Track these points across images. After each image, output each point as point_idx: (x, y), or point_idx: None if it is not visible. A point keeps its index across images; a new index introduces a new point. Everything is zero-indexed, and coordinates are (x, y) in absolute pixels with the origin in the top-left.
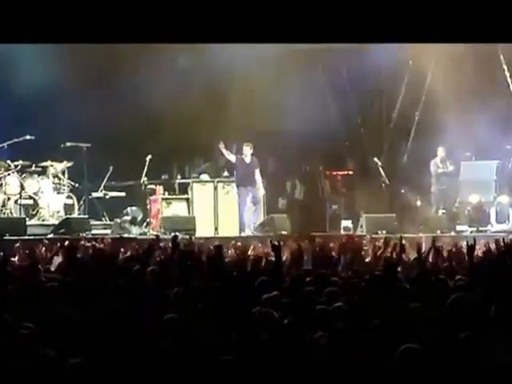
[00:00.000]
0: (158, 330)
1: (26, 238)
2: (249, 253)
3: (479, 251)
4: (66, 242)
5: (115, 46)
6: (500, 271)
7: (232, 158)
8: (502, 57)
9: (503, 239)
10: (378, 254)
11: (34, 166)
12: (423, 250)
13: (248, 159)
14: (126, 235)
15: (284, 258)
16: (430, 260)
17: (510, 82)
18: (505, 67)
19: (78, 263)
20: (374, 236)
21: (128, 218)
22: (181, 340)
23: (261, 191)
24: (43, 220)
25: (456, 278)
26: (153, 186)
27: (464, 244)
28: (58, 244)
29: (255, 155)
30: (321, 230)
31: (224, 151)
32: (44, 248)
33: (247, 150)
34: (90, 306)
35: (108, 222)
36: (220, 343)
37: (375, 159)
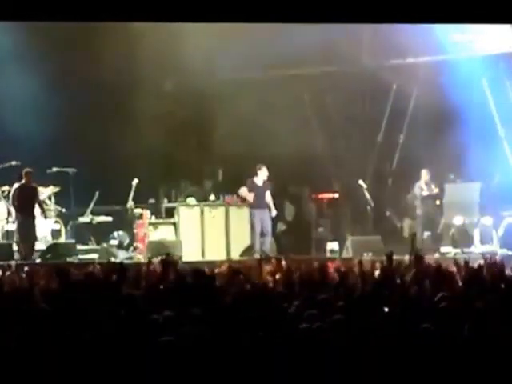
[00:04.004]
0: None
1: (13, 263)
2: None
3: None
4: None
5: (102, 72)
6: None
7: (251, 197)
8: (484, 80)
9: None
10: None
11: None
12: None
13: (260, 182)
14: (112, 260)
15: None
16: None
17: (491, 104)
18: (486, 90)
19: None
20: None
21: (115, 242)
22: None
23: (272, 213)
24: None
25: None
26: (139, 211)
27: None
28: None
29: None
30: (307, 252)
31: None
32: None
33: (263, 172)
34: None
35: (95, 247)
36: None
37: (360, 182)
